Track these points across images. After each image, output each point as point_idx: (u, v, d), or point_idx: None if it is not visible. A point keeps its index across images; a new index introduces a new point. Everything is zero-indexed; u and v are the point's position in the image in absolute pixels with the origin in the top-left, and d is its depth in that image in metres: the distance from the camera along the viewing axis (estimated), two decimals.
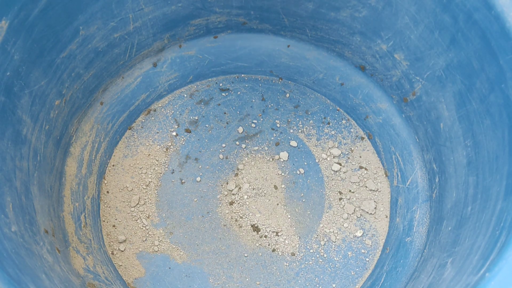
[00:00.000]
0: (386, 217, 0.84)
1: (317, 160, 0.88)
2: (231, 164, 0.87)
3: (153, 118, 0.90)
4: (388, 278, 0.76)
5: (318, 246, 0.82)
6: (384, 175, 0.87)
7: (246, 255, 0.81)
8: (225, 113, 0.90)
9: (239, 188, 0.85)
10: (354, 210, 0.84)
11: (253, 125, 0.90)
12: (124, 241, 0.81)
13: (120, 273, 0.79)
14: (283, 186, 0.86)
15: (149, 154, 0.88)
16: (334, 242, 0.82)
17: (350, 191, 0.86)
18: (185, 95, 0.91)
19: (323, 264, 0.81)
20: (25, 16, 0.65)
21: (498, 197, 0.60)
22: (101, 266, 0.76)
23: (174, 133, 0.89)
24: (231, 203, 0.84)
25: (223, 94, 0.91)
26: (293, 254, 0.81)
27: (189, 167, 0.87)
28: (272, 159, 0.87)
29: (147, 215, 0.83)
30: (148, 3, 0.79)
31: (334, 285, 0.80)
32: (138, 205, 0.84)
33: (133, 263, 0.80)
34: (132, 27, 0.80)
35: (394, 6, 0.71)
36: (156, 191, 0.85)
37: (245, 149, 0.88)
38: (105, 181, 0.85)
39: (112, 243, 0.81)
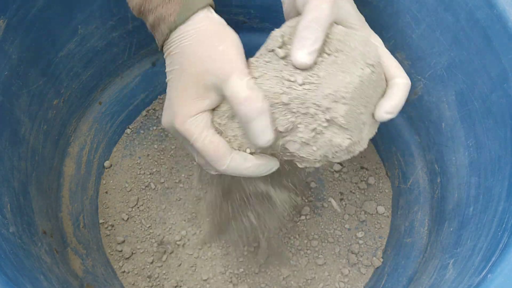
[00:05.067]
0: (388, 217, 0.84)
1: None
2: None
3: (152, 118, 0.90)
4: (389, 279, 0.76)
5: (319, 247, 0.81)
6: (386, 176, 0.86)
7: (246, 253, 0.81)
8: None
9: None
10: (355, 211, 0.84)
11: None
12: (123, 242, 0.81)
13: (118, 274, 0.79)
14: None
15: (148, 154, 0.87)
16: (335, 243, 0.82)
17: (351, 191, 0.85)
18: None
19: (324, 266, 0.80)
20: (23, 14, 0.64)
21: (500, 198, 0.60)
22: (99, 267, 0.76)
23: None
24: None
25: None
26: (294, 256, 0.81)
27: (188, 167, 0.86)
28: None
29: (146, 216, 0.83)
30: None
31: (336, 287, 0.79)
32: (137, 206, 0.83)
33: (132, 264, 0.80)
34: (131, 26, 0.79)
35: (395, 5, 0.71)
36: (155, 192, 0.85)
37: None
38: (104, 182, 0.85)
39: (111, 244, 0.81)
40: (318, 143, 0.51)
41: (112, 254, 0.80)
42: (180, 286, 0.79)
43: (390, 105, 0.56)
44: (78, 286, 0.69)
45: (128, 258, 0.80)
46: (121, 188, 0.85)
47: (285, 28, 0.55)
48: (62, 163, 0.79)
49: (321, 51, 0.52)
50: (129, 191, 0.84)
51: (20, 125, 0.67)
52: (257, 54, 0.55)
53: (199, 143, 0.50)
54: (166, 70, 0.55)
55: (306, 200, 0.84)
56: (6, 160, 0.63)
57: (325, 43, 0.53)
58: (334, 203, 0.84)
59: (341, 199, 0.85)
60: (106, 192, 0.84)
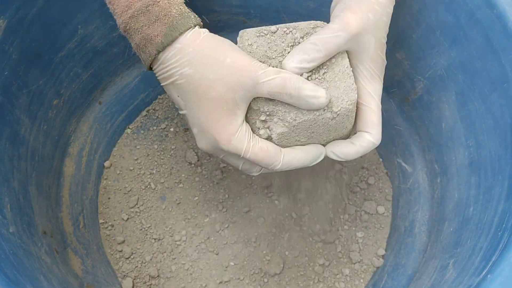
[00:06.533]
0: (388, 217, 0.84)
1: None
2: None
3: (152, 118, 0.90)
4: (389, 279, 0.76)
5: (319, 248, 0.81)
6: (386, 176, 0.86)
7: (243, 254, 0.81)
8: None
9: None
10: (355, 211, 0.84)
11: None
12: (123, 242, 0.81)
13: (118, 274, 0.79)
14: None
15: (148, 154, 0.87)
16: (335, 243, 0.82)
17: (351, 191, 0.85)
18: None
19: (324, 265, 0.80)
20: (23, 15, 0.64)
21: (500, 198, 0.60)
22: (99, 267, 0.76)
23: (173, 133, 0.89)
24: None
25: None
26: (293, 256, 0.81)
27: (188, 166, 0.86)
28: None
29: (146, 216, 0.83)
30: None
31: (336, 287, 0.79)
32: (137, 206, 0.83)
33: (132, 264, 0.80)
34: None
35: (395, 5, 0.71)
36: (155, 192, 0.85)
37: None
38: (104, 182, 0.85)
39: (110, 244, 0.81)
40: None
41: (112, 254, 0.80)
42: (180, 286, 0.79)
43: (340, 151, 0.57)
44: (78, 286, 0.69)
45: (128, 258, 0.80)
46: (121, 188, 0.85)
47: (304, 25, 0.56)
48: (62, 163, 0.79)
49: (314, 71, 0.54)
50: (129, 191, 0.84)
51: (20, 125, 0.67)
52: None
53: (250, 153, 0.52)
54: (173, 100, 0.55)
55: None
56: (6, 160, 0.63)
57: (323, 66, 0.55)
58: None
59: (341, 199, 0.85)
60: (106, 192, 0.84)
